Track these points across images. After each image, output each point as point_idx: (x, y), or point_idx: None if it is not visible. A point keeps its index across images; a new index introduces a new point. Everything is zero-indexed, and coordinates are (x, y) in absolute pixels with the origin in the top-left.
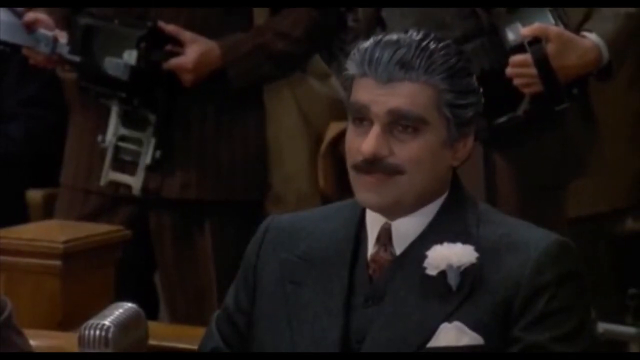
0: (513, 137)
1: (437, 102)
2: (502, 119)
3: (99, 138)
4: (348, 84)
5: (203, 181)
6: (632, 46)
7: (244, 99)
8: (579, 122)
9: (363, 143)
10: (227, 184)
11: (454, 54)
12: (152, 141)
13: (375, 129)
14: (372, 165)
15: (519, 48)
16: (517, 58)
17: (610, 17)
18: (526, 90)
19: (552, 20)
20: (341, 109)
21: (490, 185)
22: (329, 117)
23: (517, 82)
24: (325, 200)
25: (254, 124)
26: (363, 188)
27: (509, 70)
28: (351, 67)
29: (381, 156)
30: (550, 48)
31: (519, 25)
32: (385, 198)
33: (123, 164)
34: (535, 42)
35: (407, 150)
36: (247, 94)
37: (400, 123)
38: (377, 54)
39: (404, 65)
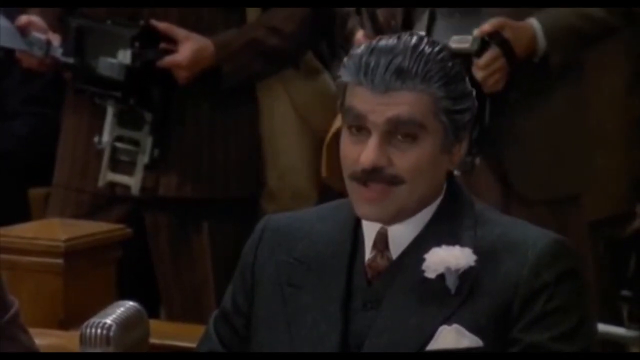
0: (498, 147)
1: (435, 109)
2: (475, 134)
3: (96, 139)
4: (341, 90)
5: (198, 179)
6: (583, 46)
7: (237, 96)
8: (570, 132)
9: (362, 154)
10: (222, 182)
11: (449, 59)
12: (149, 140)
13: (374, 139)
14: (371, 175)
15: (481, 49)
16: (487, 56)
17: (560, 13)
18: (496, 87)
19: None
20: (334, 105)
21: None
22: (322, 112)
23: (490, 81)
24: (323, 194)
25: (248, 121)
26: (362, 201)
27: (480, 74)
28: (345, 74)
29: (380, 167)
30: (507, 33)
31: (461, 35)
32: (386, 210)
33: (120, 164)
34: (494, 35)
35: (406, 160)
36: (240, 92)
37: (399, 131)
38: (372, 63)
39: (401, 75)
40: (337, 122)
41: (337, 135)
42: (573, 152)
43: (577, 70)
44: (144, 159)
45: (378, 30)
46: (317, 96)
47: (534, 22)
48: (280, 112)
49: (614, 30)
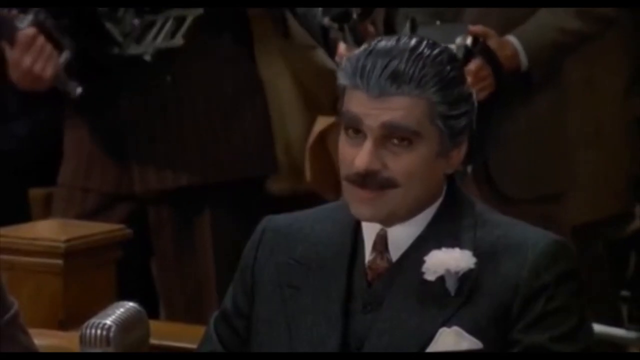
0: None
1: (430, 114)
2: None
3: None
4: (340, 92)
5: (207, 164)
6: (562, 57)
7: (242, 87)
8: (552, 132)
9: (356, 157)
10: (234, 164)
11: (447, 62)
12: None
13: (368, 144)
14: (366, 179)
15: (466, 57)
16: (472, 64)
17: (538, 30)
18: (481, 96)
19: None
20: (332, 78)
21: None
22: (322, 86)
23: (475, 88)
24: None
25: (255, 100)
26: (357, 201)
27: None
28: (342, 77)
29: (374, 171)
30: (492, 43)
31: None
32: (380, 211)
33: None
34: (475, 44)
35: (400, 164)
36: (243, 78)
37: (394, 136)
38: (368, 67)
39: (396, 80)
40: (318, 126)
41: (318, 139)
42: (555, 152)
43: (557, 72)
44: (172, 13)
45: (360, 44)
46: (316, 70)
47: (514, 41)
48: (284, 88)
49: (591, 38)
